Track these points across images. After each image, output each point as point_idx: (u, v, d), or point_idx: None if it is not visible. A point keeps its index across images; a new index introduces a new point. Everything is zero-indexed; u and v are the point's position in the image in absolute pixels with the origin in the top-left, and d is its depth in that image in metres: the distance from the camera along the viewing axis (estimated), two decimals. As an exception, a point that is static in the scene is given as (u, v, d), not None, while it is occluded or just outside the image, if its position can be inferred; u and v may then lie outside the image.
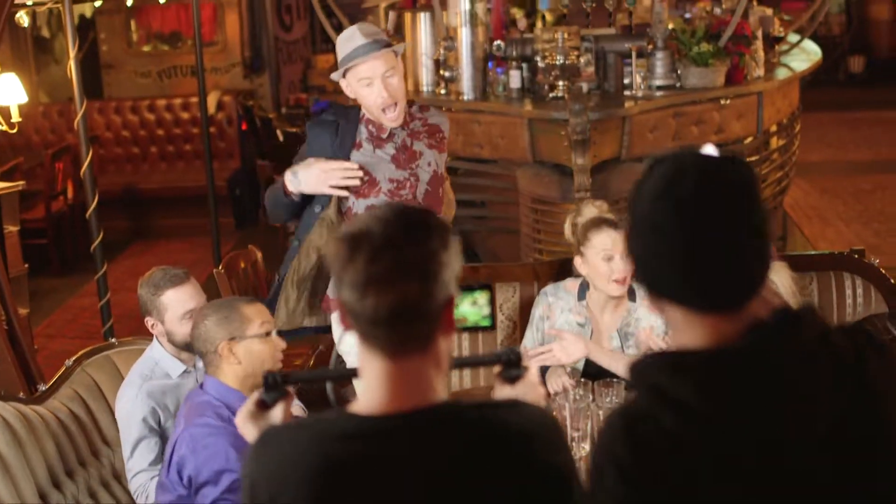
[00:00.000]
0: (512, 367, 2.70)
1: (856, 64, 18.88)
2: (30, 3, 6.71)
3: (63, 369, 4.92)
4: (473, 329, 2.82)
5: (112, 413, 4.93)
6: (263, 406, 2.75)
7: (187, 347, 4.53)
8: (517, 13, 15.54)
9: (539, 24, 10.31)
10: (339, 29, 11.06)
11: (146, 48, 13.00)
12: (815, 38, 10.96)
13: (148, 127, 12.57)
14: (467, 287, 2.67)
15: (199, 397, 4.09)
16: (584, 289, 4.98)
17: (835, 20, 18.63)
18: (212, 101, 11.82)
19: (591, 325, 4.93)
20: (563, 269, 5.54)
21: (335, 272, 2.30)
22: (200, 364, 4.57)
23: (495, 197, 8.32)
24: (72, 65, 6.57)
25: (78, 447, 4.65)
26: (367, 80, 4.75)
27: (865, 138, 15.37)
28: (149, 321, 4.65)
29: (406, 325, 2.28)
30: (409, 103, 5.07)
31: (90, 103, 6.75)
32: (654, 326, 4.84)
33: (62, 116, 12.30)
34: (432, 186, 5.03)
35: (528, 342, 5.03)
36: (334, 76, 4.89)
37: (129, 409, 4.51)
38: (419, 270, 2.26)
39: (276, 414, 2.74)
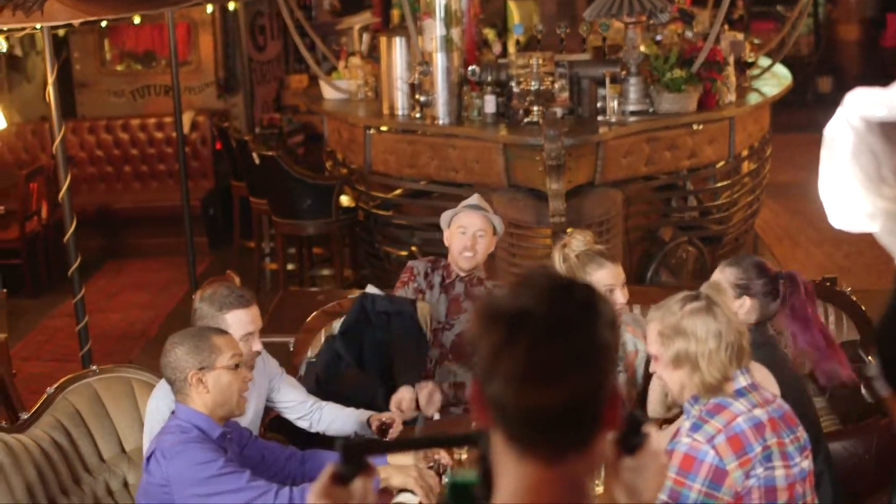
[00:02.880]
0: (632, 434, 2.23)
1: (824, 84, 19.02)
2: (5, 28, 6.71)
3: (44, 397, 4.95)
4: None
5: (93, 439, 4.98)
6: (340, 480, 2.25)
7: None
8: (489, 34, 15.66)
9: (511, 46, 10.40)
10: (311, 49, 11.15)
11: (120, 67, 12.99)
12: (784, 58, 11.06)
13: (122, 146, 12.56)
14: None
15: (172, 421, 4.18)
16: None
17: (804, 41, 18.73)
18: (186, 120, 11.82)
19: None
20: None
21: (483, 358, 1.98)
22: None
23: (470, 220, 8.37)
24: (50, 90, 6.58)
25: (60, 475, 4.69)
26: (463, 230, 5.61)
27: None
28: None
29: (572, 427, 1.97)
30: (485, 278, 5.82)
31: (64, 122, 6.78)
32: (639, 350, 5.08)
33: (35, 136, 12.30)
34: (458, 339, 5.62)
35: None
36: (443, 224, 5.74)
37: (156, 408, 4.59)
38: (591, 361, 1.96)
39: (357, 491, 2.25)
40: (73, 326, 7.05)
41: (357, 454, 2.26)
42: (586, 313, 1.96)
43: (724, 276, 4.64)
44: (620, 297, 5.00)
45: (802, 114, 17.60)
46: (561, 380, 1.92)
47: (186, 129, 11.79)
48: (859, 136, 2.20)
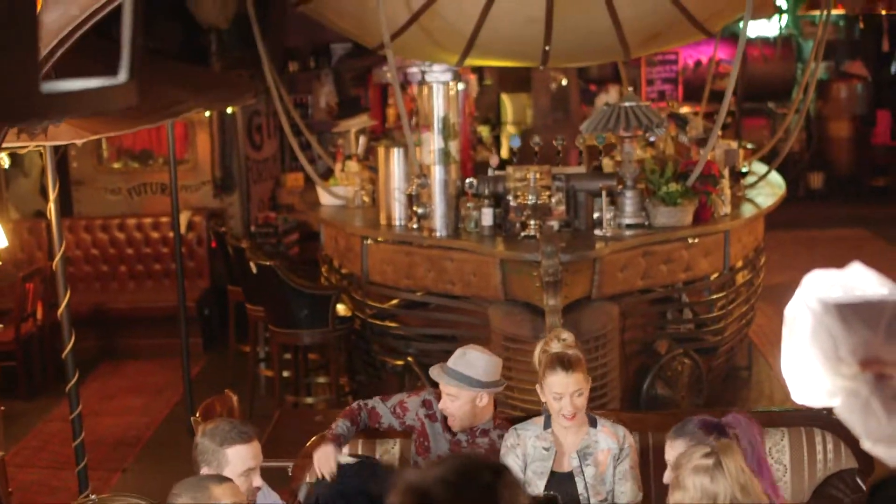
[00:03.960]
0: None
1: (815, 180, 19.17)
2: (9, 146, 6.77)
3: (44, 529, 4.95)
4: None
5: (92, 572, 4.97)
6: None
7: None
8: (483, 131, 15.80)
9: (505, 145, 10.48)
10: (307, 148, 11.23)
11: (117, 165, 13.05)
12: (775, 151, 11.18)
13: (118, 245, 12.60)
14: (534, 499, 2.64)
15: None
16: (548, 419, 5.40)
17: (795, 137, 18.94)
18: (183, 220, 11.88)
19: (555, 448, 5.33)
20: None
21: None
22: None
23: (467, 332, 8.39)
24: (51, 206, 6.63)
25: None
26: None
27: (825, 258, 15.52)
28: (204, 471, 4.70)
29: None
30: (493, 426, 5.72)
31: (60, 219, 6.85)
32: (611, 449, 5.29)
33: (32, 234, 12.34)
34: None
35: (511, 466, 5.24)
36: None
37: None
38: None
39: None
40: (67, 431, 7.05)
41: None
42: (483, 500, 2.18)
43: (673, 451, 4.66)
44: (567, 404, 5.19)
45: (794, 210, 17.74)
46: None
47: (183, 229, 11.85)
48: (817, 318, 2.29)
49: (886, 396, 2.28)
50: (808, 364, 2.34)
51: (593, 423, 5.36)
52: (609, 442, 5.31)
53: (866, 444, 2.35)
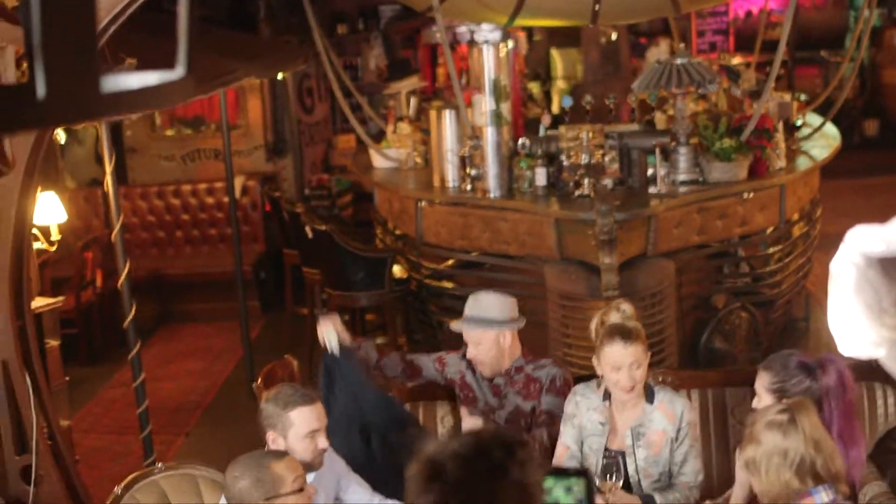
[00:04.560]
0: None
1: (870, 128, 18.98)
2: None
3: (112, 497, 5.02)
4: None
5: (160, 538, 5.05)
6: None
7: (303, 467, 4.71)
8: (533, 87, 15.76)
9: (556, 99, 10.44)
10: (358, 110, 11.24)
11: (170, 132, 13.14)
12: (829, 101, 11.07)
13: (173, 211, 12.71)
14: (563, 471, 2.67)
15: None
16: (608, 391, 5.25)
17: (848, 84, 18.76)
18: (237, 185, 11.96)
19: (610, 424, 5.22)
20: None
21: (409, 492, 2.31)
22: (309, 478, 4.73)
23: (523, 291, 8.36)
24: (108, 179, 6.69)
25: (130, 578, 4.76)
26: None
27: (881, 206, 15.42)
28: (270, 436, 4.78)
29: None
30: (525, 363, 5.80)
31: (116, 188, 6.92)
32: (666, 431, 5.13)
33: (88, 202, 12.47)
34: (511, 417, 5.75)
35: (567, 438, 5.32)
36: None
37: None
38: None
39: None
40: (129, 396, 7.13)
41: None
42: (493, 476, 2.25)
43: (760, 382, 4.69)
44: (625, 376, 5.05)
45: (848, 157, 17.57)
46: None
47: (237, 193, 11.92)
48: (860, 272, 2.35)
49: None
50: (853, 316, 2.40)
51: (650, 399, 5.20)
52: (664, 422, 5.15)
53: None
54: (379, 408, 5.58)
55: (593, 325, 5.38)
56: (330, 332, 5.64)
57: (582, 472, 2.66)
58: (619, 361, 5.04)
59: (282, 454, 4.35)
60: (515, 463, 2.29)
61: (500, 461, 2.27)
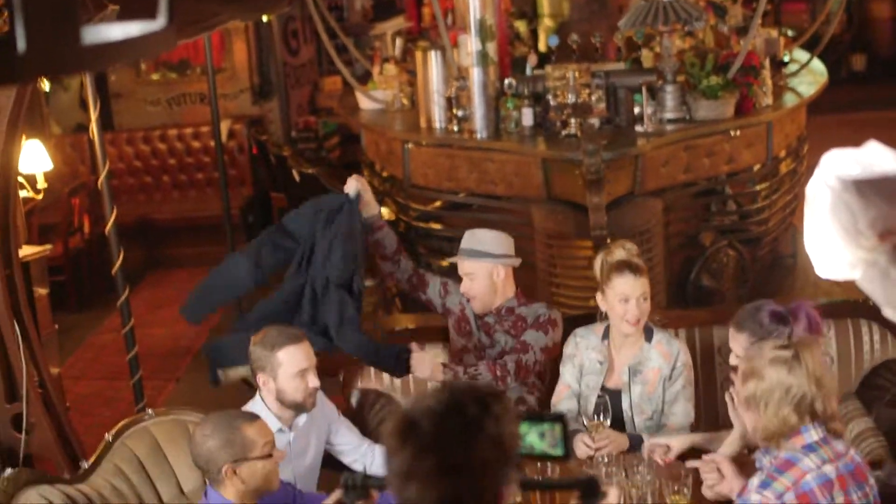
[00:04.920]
0: (590, 495, 2.65)
1: (857, 62, 18.95)
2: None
3: (103, 444, 5.05)
4: (542, 458, 2.74)
5: (153, 484, 5.07)
6: None
7: (295, 407, 4.73)
8: (520, 26, 15.65)
9: (543, 38, 10.36)
10: (343, 51, 11.18)
11: (155, 76, 13.08)
12: (816, 36, 11.02)
13: (160, 156, 12.69)
14: (539, 417, 2.67)
15: None
16: (608, 329, 5.43)
17: (835, 18, 18.70)
18: (223, 129, 11.93)
19: (608, 362, 5.40)
20: (578, 325, 5.71)
21: (385, 449, 2.32)
22: (301, 420, 4.75)
23: (510, 232, 8.33)
24: (93, 127, 6.65)
25: (123, 524, 4.79)
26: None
27: (868, 140, 15.39)
28: (261, 378, 4.82)
29: None
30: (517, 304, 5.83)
31: (102, 134, 6.86)
32: (661, 368, 5.30)
33: (74, 149, 12.43)
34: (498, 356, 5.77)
35: (567, 376, 5.48)
36: None
37: None
38: (465, 472, 2.24)
39: None
40: (119, 343, 7.11)
41: (357, 486, 2.73)
42: (469, 432, 2.24)
43: (737, 343, 4.71)
44: (633, 308, 5.22)
45: (836, 92, 17.53)
46: (434, 485, 2.22)
47: (224, 137, 11.89)
48: (836, 194, 2.38)
49: None
50: (830, 239, 2.43)
51: (649, 338, 5.37)
52: (660, 361, 5.32)
53: (888, 312, 2.43)
54: (345, 262, 5.51)
55: (597, 262, 5.54)
56: (354, 185, 5.74)
57: (558, 418, 2.66)
58: (629, 293, 5.23)
59: (254, 417, 4.32)
60: (490, 417, 2.29)
61: (474, 416, 2.27)
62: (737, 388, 4.02)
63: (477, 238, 5.80)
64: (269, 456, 4.18)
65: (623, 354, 5.37)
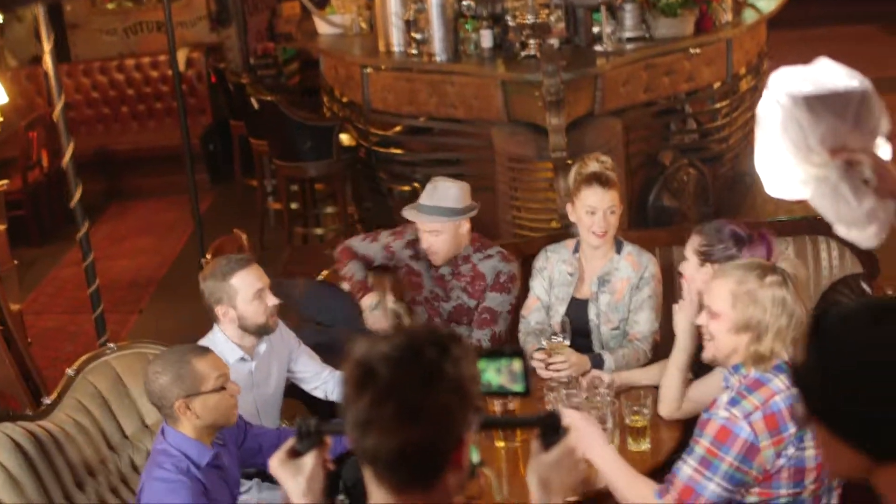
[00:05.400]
0: (551, 431, 2.63)
1: (817, -24, 18.85)
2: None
3: (65, 379, 5.01)
4: (502, 395, 2.72)
5: (115, 417, 5.05)
6: (296, 454, 2.69)
7: (259, 330, 4.72)
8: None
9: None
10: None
11: (111, 6, 12.92)
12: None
13: (117, 87, 12.56)
14: (497, 353, 2.62)
15: (159, 444, 4.16)
16: (579, 245, 5.50)
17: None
18: (181, 57, 11.81)
19: (578, 274, 5.46)
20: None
21: (342, 398, 2.26)
22: (262, 348, 4.74)
23: (471, 155, 8.37)
24: (47, 58, 6.55)
25: (86, 458, 4.77)
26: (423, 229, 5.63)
27: (830, 55, 15.36)
28: (220, 310, 4.80)
29: (408, 468, 2.22)
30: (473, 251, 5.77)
31: (58, 67, 6.73)
32: (629, 278, 5.37)
33: (31, 81, 12.29)
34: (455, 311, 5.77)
35: (538, 289, 5.55)
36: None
37: None
38: (425, 418, 2.18)
39: (308, 462, 2.67)
40: (81, 276, 7.03)
41: (311, 433, 2.66)
42: (428, 377, 2.18)
43: (690, 244, 4.74)
44: (600, 220, 5.28)
45: (798, 8, 17.45)
46: (394, 433, 2.16)
47: (182, 66, 11.77)
48: (786, 111, 2.36)
49: (855, 181, 2.35)
50: (781, 156, 2.40)
51: (619, 250, 5.42)
52: (629, 271, 5.37)
53: (840, 230, 2.42)
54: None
55: (571, 174, 5.58)
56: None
57: (516, 352, 2.60)
58: (596, 205, 5.28)
59: (205, 351, 4.24)
60: (449, 360, 2.22)
61: (433, 360, 2.21)
62: (718, 309, 3.97)
63: (441, 194, 5.62)
64: (223, 388, 4.14)
65: (593, 266, 5.42)
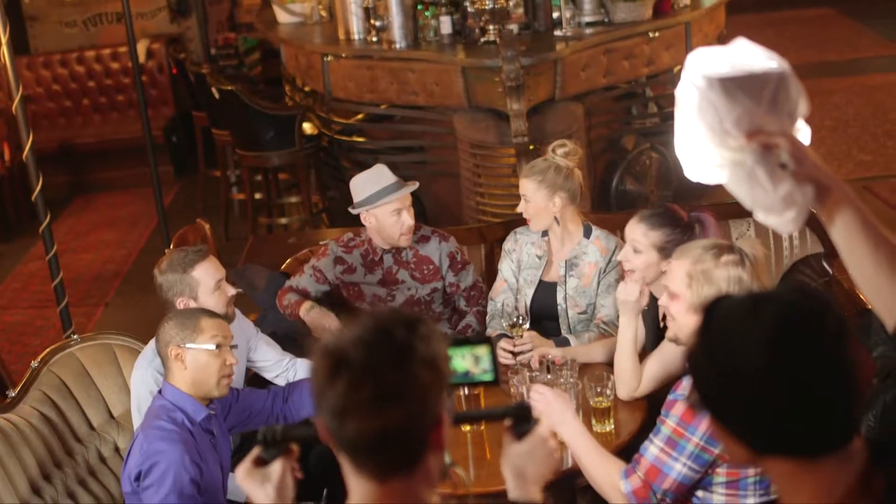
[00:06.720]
0: (522, 421, 2.60)
1: (777, -41, 18.95)
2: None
3: (29, 372, 5.00)
4: (470, 384, 2.67)
5: (81, 409, 5.06)
6: (262, 463, 2.63)
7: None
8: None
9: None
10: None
11: (69, -3, 12.87)
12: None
13: (78, 80, 12.50)
14: (463, 340, 2.61)
15: (157, 401, 4.25)
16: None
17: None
18: (141, 49, 11.77)
19: (547, 256, 5.47)
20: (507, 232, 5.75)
21: (314, 391, 2.22)
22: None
23: (433, 142, 8.40)
24: (4, 51, 6.53)
25: (53, 450, 4.77)
26: (398, 210, 5.53)
27: (791, 39, 15.49)
28: (181, 302, 4.78)
29: (390, 452, 2.21)
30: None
31: (17, 59, 6.68)
32: (597, 262, 5.36)
33: (-11, 75, 12.21)
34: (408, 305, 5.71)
35: (506, 271, 5.58)
36: (362, 204, 5.59)
37: (140, 379, 4.71)
38: (403, 397, 2.17)
39: (275, 470, 2.61)
40: (46, 270, 7.02)
41: (276, 441, 2.60)
42: (401, 355, 2.17)
43: (647, 237, 4.73)
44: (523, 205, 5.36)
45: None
46: (374, 415, 2.14)
47: (142, 58, 11.73)
48: (702, 93, 2.37)
49: (771, 166, 2.35)
50: (697, 140, 2.42)
51: (587, 234, 5.43)
52: (597, 255, 5.37)
53: (759, 216, 2.42)
54: None
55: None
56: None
57: (484, 339, 2.61)
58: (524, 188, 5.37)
59: (217, 315, 4.38)
60: (420, 339, 2.22)
61: (405, 339, 2.20)
62: (675, 290, 4.00)
63: (384, 172, 5.66)
64: (217, 348, 4.20)
65: (562, 250, 5.44)
